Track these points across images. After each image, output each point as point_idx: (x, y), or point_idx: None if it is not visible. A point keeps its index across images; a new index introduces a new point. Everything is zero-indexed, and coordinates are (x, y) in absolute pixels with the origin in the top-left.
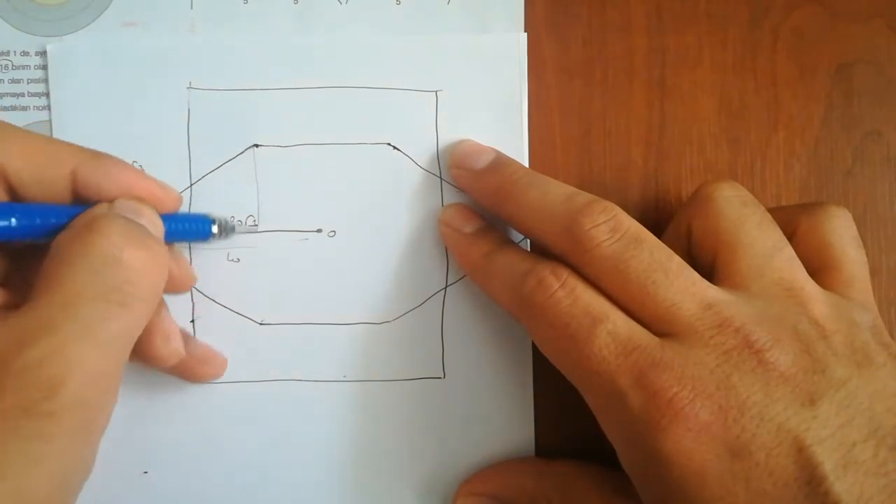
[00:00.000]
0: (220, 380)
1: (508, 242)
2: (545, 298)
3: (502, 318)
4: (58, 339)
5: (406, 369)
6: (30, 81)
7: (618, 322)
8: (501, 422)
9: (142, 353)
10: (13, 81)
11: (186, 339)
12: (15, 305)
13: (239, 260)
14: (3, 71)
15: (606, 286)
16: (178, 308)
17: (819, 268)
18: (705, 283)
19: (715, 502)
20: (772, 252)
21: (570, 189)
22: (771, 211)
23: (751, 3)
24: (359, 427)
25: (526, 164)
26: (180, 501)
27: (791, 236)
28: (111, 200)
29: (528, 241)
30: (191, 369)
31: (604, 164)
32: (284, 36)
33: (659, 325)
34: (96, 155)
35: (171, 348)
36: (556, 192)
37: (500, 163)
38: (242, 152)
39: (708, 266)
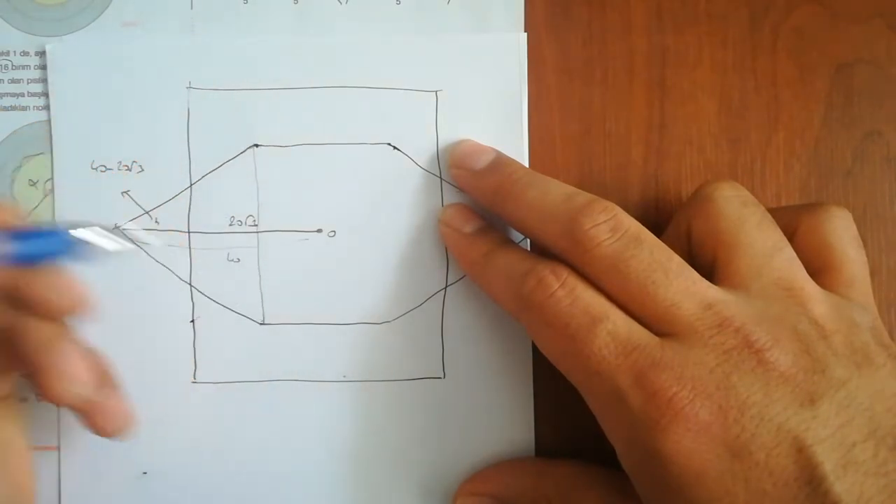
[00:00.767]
0: (220, 380)
1: (508, 242)
2: (545, 298)
3: (502, 318)
4: None
5: (406, 369)
6: (30, 81)
7: (618, 322)
8: (501, 422)
9: (41, 392)
10: (13, 81)
11: (106, 384)
12: None
13: (239, 260)
14: (3, 71)
15: (606, 286)
16: (178, 308)
17: (819, 268)
18: (705, 282)
19: (714, 502)
20: (772, 252)
21: (570, 189)
22: (771, 211)
23: (751, 3)
24: (359, 427)
25: (526, 164)
26: (180, 502)
27: (791, 236)
28: None
29: (528, 240)
30: (91, 417)
31: (604, 164)
32: (284, 36)
33: (659, 325)
34: None
35: (71, 391)
36: (556, 192)
37: (500, 163)
38: (242, 152)
39: (708, 266)
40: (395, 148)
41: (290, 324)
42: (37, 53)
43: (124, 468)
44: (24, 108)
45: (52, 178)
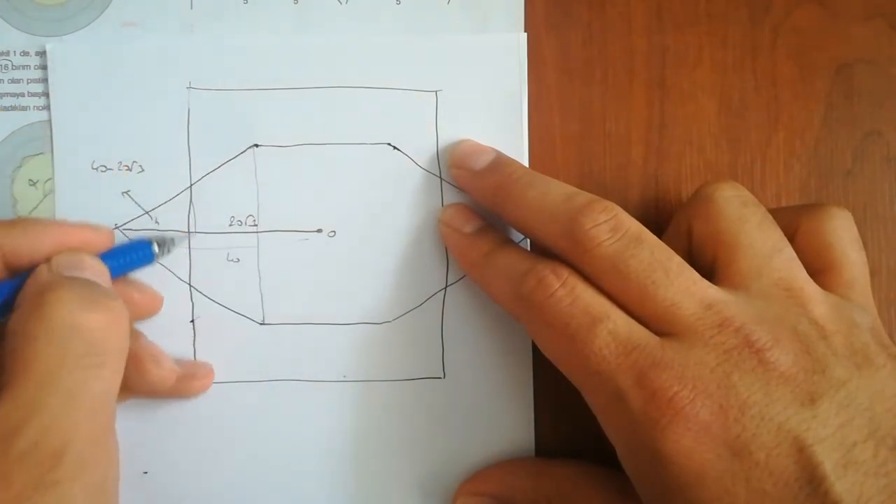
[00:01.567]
0: (220, 380)
1: (508, 242)
2: (545, 298)
3: (502, 318)
4: (46, 416)
5: (406, 369)
6: (30, 81)
7: (618, 321)
8: (501, 422)
9: (138, 386)
10: (13, 81)
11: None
12: None
13: (239, 260)
14: (3, 71)
15: (606, 286)
16: (178, 308)
17: (819, 269)
18: (705, 282)
19: (715, 502)
20: (772, 252)
21: (571, 189)
22: (772, 212)
23: (751, 3)
24: (359, 427)
25: (526, 163)
26: (180, 502)
27: (792, 237)
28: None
29: (528, 240)
30: (186, 386)
31: (604, 164)
32: (284, 36)
33: (659, 325)
34: (14, 223)
35: (167, 368)
36: (557, 192)
37: (500, 162)
38: (242, 152)
39: (708, 266)
40: (395, 148)
41: (289, 324)
42: (37, 53)
43: (125, 468)
44: (24, 108)
45: (52, 178)
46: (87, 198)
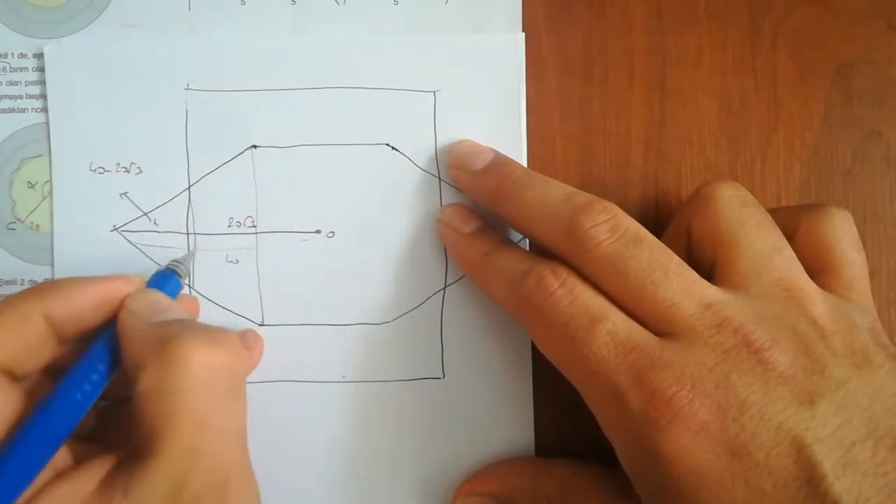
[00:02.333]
0: None
1: (507, 242)
2: (544, 298)
3: (502, 318)
4: (207, 459)
5: (405, 369)
6: (28, 83)
7: (617, 321)
8: (501, 422)
9: None
10: (11, 84)
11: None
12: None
13: (238, 261)
14: (1, 73)
15: (606, 286)
16: None
17: (819, 269)
18: (704, 282)
19: (714, 502)
20: (771, 252)
21: (570, 189)
22: (771, 212)
23: (751, 3)
24: (358, 427)
25: (525, 164)
26: None
27: (791, 237)
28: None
29: (527, 241)
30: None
31: (604, 164)
32: (282, 37)
33: (658, 325)
34: (50, 288)
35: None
36: (556, 192)
37: (499, 163)
38: (241, 153)
39: (707, 266)
40: (393, 148)
41: (289, 324)
42: (35, 56)
43: None
44: (22, 111)
45: (50, 180)
46: (85, 200)
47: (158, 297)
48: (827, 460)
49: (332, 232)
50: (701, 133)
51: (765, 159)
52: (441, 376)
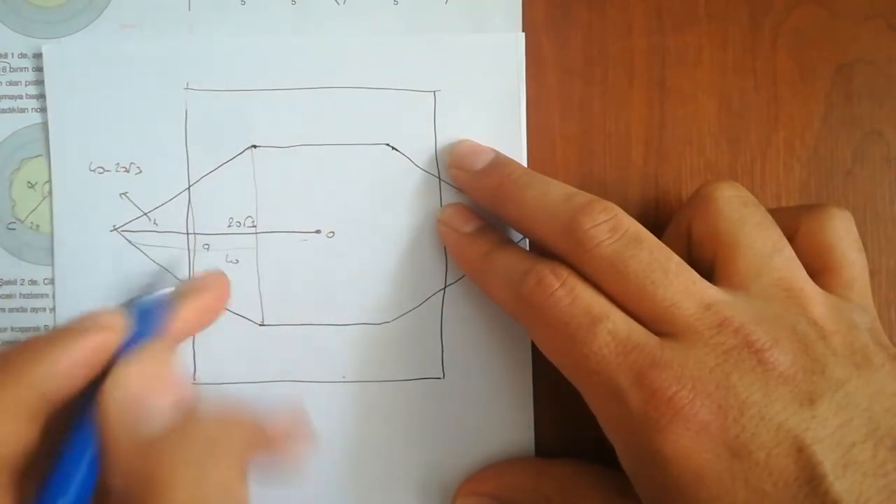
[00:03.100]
0: (219, 381)
1: (508, 242)
2: (545, 298)
3: (502, 319)
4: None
5: (405, 370)
6: (28, 83)
7: (617, 321)
8: (501, 422)
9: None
10: (11, 84)
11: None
12: None
13: (238, 261)
14: (1, 73)
15: (606, 286)
16: None
17: (819, 269)
18: (705, 283)
19: (714, 502)
20: (771, 252)
21: (570, 189)
22: (772, 212)
23: (751, 3)
24: (358, 427)
25: (525, 164)
26: None
27: (792, 237)
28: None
29: (527, 240)
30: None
31: (604, 164)
32: (282, 36)
33: (658, 325)
34: (31, 356)
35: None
36: (556, 192)
37: (500, 163)
38: (240, 153)
39: (707, 266)
40: (393, 148)
41: (289, 324)
42: (35, 56)
43: None
44: (22, 111)
45: (50, 180)
46: (84, 200)
47: (146, 381)
48: (827, 460)
49: (332, 232)
50: (701, 133)
51: (765, 159)
52: (441, 376)
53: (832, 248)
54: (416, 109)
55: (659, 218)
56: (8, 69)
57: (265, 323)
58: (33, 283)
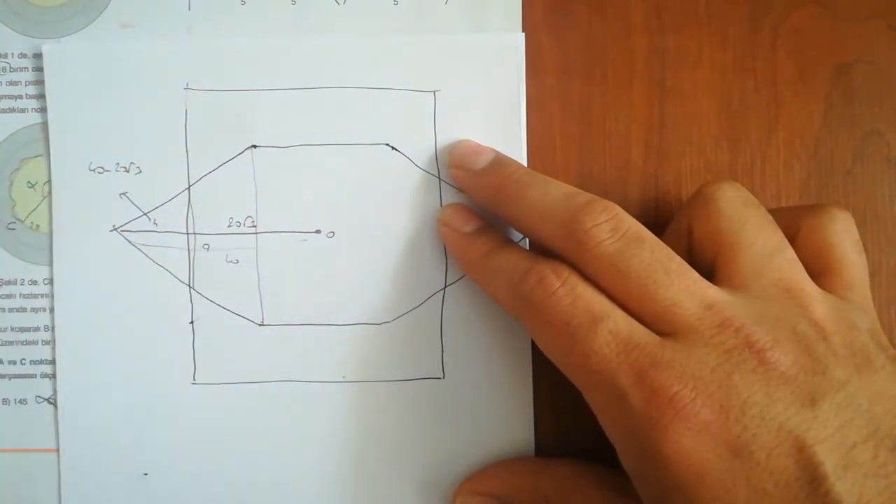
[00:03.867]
0: (219, 381)
1: (508, 241)
2: (546, 297)
3: (502, 319)
4: None
5: (405, 369)
6: (28, 83)
7: (618, 320)
8: (501, 422)
9: None
10: (11, 84)
11: None
12: None
13: (238, 261)
14: (1, 73)
15: (607, 285)
16: (178, 310)
17: (820, 270)
18: (706, 282)
19: (715, 502)
20: (772, 253)
21: (571, 188)
22: (773, 212)
23: (751, 3)
24: (358, 427)
25: (525, 164)
26: (181, 503)
27: (793, 238)
28: None
29: (528, 240)
30: None
31: (604, 164)
32: (282, 36)
33: (659, 325)
34: None
35: None
36: (557, 192)
37: (500, 162)
38: (240, 153)
39: (708, 266)
40: (393, 148)
41: (289, 325)
42: (35, 55)
43: (125, 470)
44: (22, 111)
45: (49, 180)
46: (84, 200)
47: None
48: (828, 461)
49: (332, 232)
50: (701, 133)
51: (765, 159)
52: (441, 376)
53: (833, 248)
54: (416, 109)
55: (659, 218)
56: (8, 69)
57: (265, 323)
58: (33, 282)
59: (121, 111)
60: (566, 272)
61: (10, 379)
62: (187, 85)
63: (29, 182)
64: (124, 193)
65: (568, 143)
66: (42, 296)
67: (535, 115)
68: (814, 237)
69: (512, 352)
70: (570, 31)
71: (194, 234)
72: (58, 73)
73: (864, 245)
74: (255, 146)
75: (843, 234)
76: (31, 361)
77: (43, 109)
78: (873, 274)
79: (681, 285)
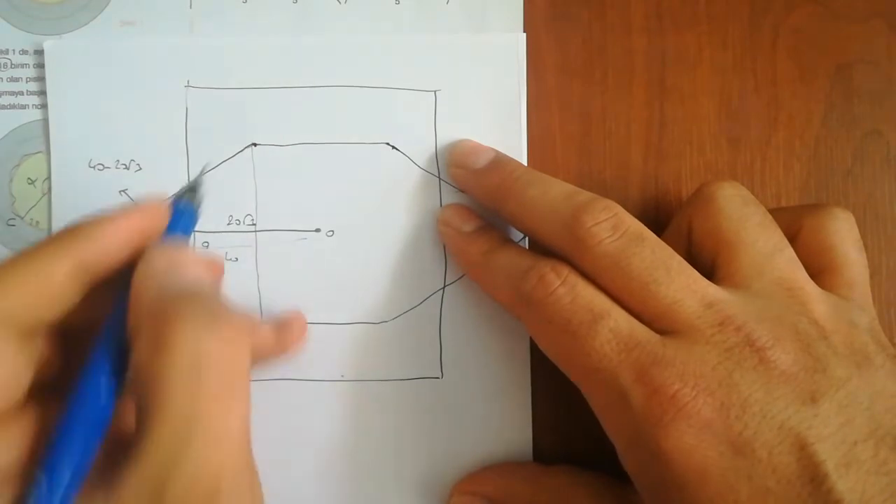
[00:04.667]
0: None
1: (508, 241)
2: (546, 295)
3: (501, 318)
4: (192, 460)
5: (404, 369)
6: (28, 80)
7: (619, 319)
8: (499, 422)
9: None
10: (12, 80)
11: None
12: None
13: (237, 259)
14: (2, 69)
15: (607, 284)
16: None
17: (820, 269)
18: (706, 281)
19: (717, 500)
20: (772, 252)
21: (571, 187)
22: (773, 212)
23: (751, 3)
24: (356, 426)
25: (525, 163)
26: None
27: (794, 237)
28: (125, 263)
29: (528, 240)
30: (285, 342)
31: (604, 164)
32: (283, 35)
33: (660, 323)
34: (78, 231)
35: (263, 334)
36: (557, 191)
37: (500, 162)
38: (240, 151)
39: (708, 265)
40: (393, 147)
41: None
42: (35, 52)
43: None
44: (22, 107)
45: (49, 177)
46: (84, 196)
47: (180, 256)
48: (830, 459)
49: (332, 231)
50: (701, 133)
51: (765, 159)
52: (439, 376)
53: (833, 248)
54: (416, 109)
55: (659, 218)
56: (9, 65)
57: (264, 322)
58: None
59: (121, 108)
60: (566, 271)
61: None
62: (188, 82)
63: (29, 178)
64: (124, 191)
65: (568, 143)
66: None
67: (535, 115)
68: (814, 236)
69: (511, 352)
70: (570, 32)
71: (194, 231)
72: (59, 70)
73: (865, 245)
74: (255, 144)
75: (843, 233)
76: None
77: (43, 106)
78: (873, 274)
79: (681, 284)
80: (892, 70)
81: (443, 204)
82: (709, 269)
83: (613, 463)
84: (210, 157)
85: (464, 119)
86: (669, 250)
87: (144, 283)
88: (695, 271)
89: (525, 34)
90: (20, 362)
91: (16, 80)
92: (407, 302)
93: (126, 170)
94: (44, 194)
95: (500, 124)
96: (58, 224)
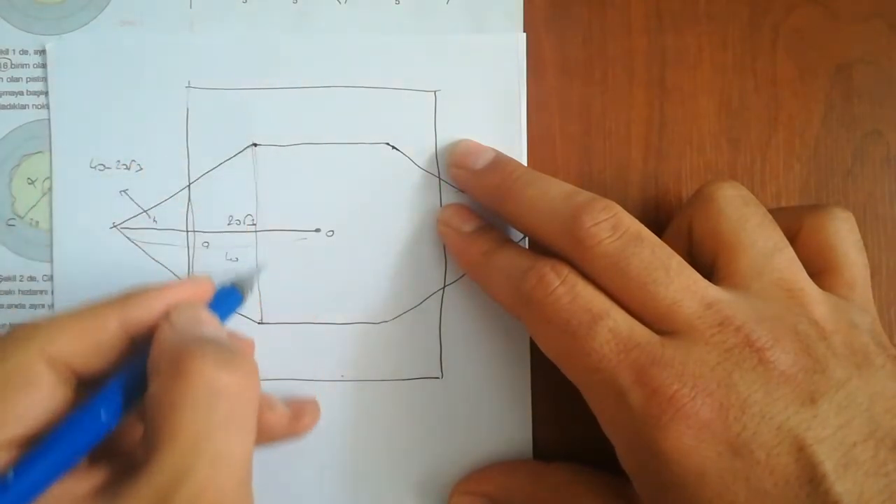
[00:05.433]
0: None
1: (508, 241)
2: (546, 295)
3: (500, 318)
4: (195, 482)
5: (404, 369)
6: (29, 80)
7: (618, 319)
8: (499, 422)
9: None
10: (12, 80)
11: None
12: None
13: (237, 259)
14: (3, 69)
15: (607, 284)
16: None
17: (821, 270)
18: (706, 282)
19: (715, 500)
20: (772, 252)
21: (571, 187)
22: (773, 212)
23: (751, 3)
24: (356, 426)
25: (525, 163)
26: None
27: (794, 237)
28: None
29: (527, 240)
30: (297, 426)
31: (604, 164)
32: (283, 35)
33: (659, 323)
34: (128, 297)
35: (279, 412)
36: (557, 191)
37: (500, 162)
38: (241, 151)
39: (708, 265)
40: (393, 148)
41: (288, 323)
42: (36, 52)
43: None
44: (23, 107)
45: (50, 177)
46: (85, 196)
47: (202, 314)
48: (828, 460)
49: (332, 231)
50: (701, 133)
51: (765, 159)
52: (439, 376)
53: (833, 248)
54: (416, 109)
55: (659, 218)
56: (9, 65)
57: (264, 321)
58: (32, 279)
59: (122, 108)
60: (566, 271)
61: None
62: (189, 83)
63: (29, 178)
64: (125, 191)
65: (568, 143)
66: (41, 292)
67: (535, 115)
68: (815, 237)
69: (510, 352)
70: (570, 32)
71: (194, 231)
72: (61, 70)
73: (865, 245)
74: (255, 144)
75: (844, 233)
76: None
77: (43, 106)
78: (873, 273)
79: (681, 284)
80: (892, 70)
81: (443, 204)
82: (709, 270)
83: (613, 462)
84: (210, 157)
85: (464, 119)
86: (669, 250)
87: (168, 332)
88: (694, 272)
89: (525, 34)
90: (57, 401)
91: (16, 80)
92: (407, 302)
93: (127, 170)
94: (44, 194)
95: (499, 124)
96: (59, 223)
